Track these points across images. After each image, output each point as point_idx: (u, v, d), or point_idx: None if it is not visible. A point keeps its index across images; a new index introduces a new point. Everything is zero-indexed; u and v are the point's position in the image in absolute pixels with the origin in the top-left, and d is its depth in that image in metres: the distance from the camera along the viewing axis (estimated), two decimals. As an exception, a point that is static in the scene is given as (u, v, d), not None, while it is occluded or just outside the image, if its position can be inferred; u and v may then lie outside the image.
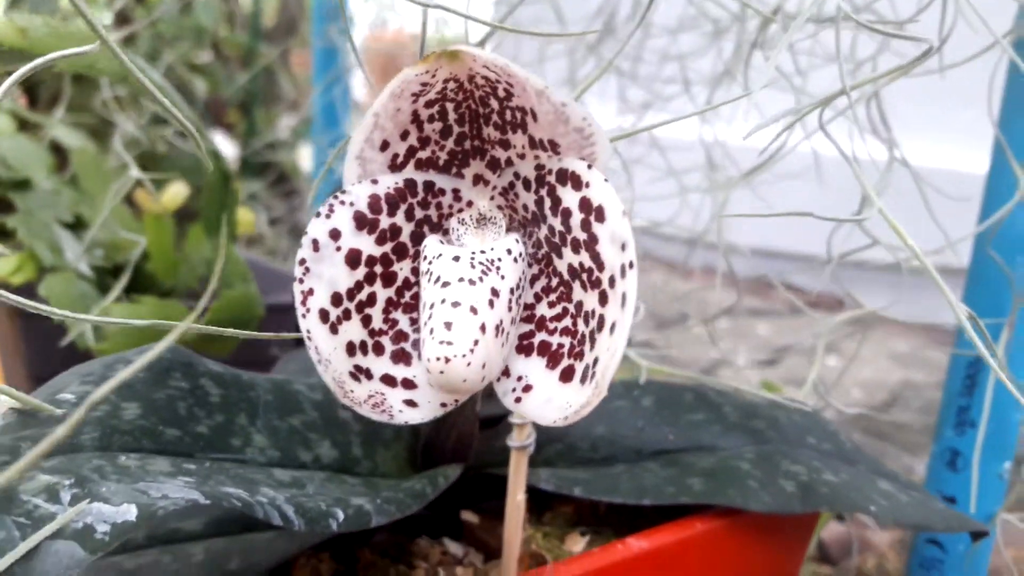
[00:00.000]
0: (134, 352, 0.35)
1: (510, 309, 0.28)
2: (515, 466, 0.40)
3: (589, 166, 0.28)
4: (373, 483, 0.39)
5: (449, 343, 0.26)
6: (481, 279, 0.28)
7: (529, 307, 0.31)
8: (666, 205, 0.88)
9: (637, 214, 0.91)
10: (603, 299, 0.28)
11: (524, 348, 0.31)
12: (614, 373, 0.26)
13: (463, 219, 0.31)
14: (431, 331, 0.27)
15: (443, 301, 0.27)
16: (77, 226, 0.70)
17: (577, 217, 0.28)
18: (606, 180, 0.28)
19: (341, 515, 0.33)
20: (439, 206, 0.31)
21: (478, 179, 0.32)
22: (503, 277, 0.28)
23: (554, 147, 0.29)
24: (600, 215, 0.28)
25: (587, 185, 0.28)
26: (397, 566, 0.42)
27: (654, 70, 0.82)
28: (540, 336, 0.31)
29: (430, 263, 0.28)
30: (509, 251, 0.29)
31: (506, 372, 0.30)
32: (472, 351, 0.27)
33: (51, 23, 0.57)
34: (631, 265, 0.27)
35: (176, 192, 0.88)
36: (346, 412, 0.41)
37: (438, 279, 0.28)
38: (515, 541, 0.40)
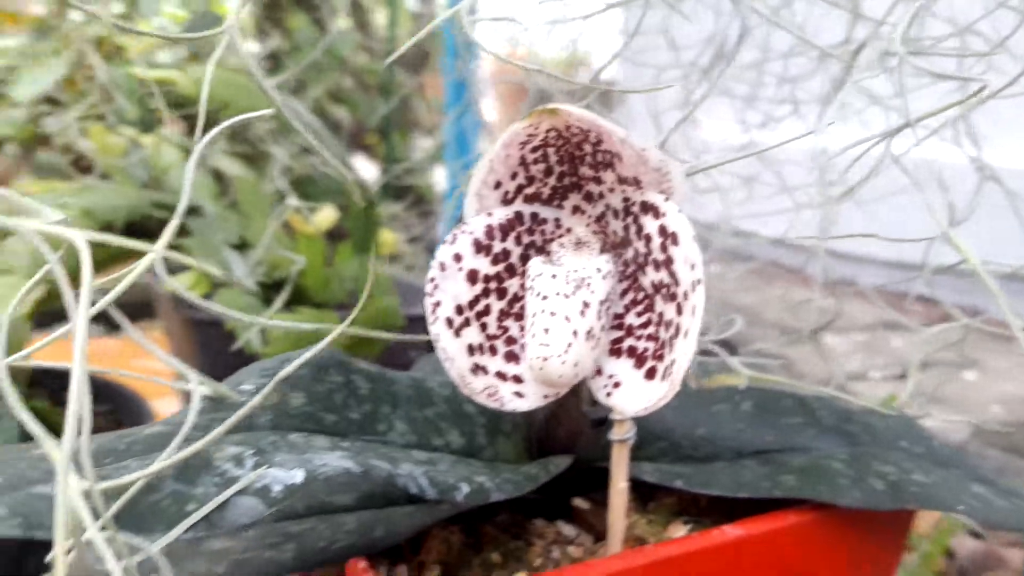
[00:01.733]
0: (297, 353, 0.43)
1: (599, 318, 0.34)
2: (617, 457, 0.45)
3: (667, 198, 0.34)
4: (494, 466, 0.46)
5: (546, 345, 0.32)
6: (574, 293, 0.33)
7: (619, 317, 0.37)
8: (785, 218, 0.91)
9: (762, 225, 0.94)
10: (679, 310, 0.33)
11: (615, 351, 0.36)
12: (684, 371, 0.32)
13: (563, 243, 0.37)
14: (533, 335, 0.33)
15: (543, 311, 0.33)
16: (241, 246, 0.81)
17: (657, 241, 0.34)
18: (680, 211, 0.33)
19: (466, 488, 0.40)
20: (543, 232, 0.38)
21: (576, 209, 0.38)
22: (592, 291, 0.34)
23: (637, 183, 0.35)
24: (675, 239, 0.33)
25: (664, 215, 0.33)
26: (516, 541, 0.48)
27: (768, 92, 0.85)
28: (628, 341, 0.36)
29: (533, 280, 0.35)
30: (599, 269, 0.35)
31: (599, 371, 0.36)
32: (566, 351, 0.32)
33: (221, 73, 0.67)
34: (699, 282, 0.32)
35: (326, 215, 0.97)
36: (471, 406, 0.48)
37: (539, 293, 0.34)
38: (619, 523, 0.46)
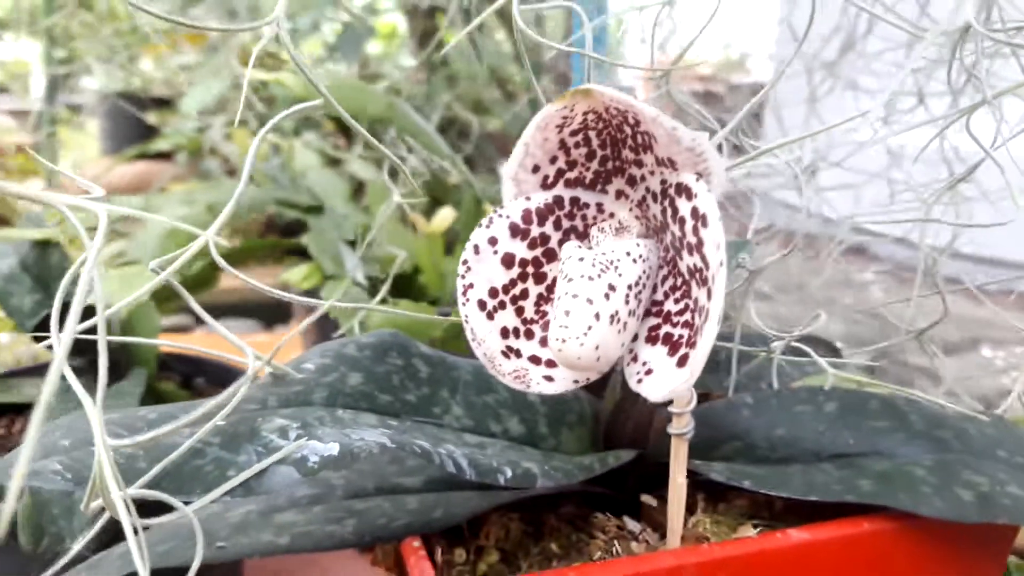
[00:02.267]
0: (365, 336, 0.45)
1: (627, 302, 0.34)
2: (675, 452, 0.44)
3: (698, 179, 0.33)
4: (549, 455, 0.46)
5: (565, 327, 0.32)
6: (600, 275, 0.33)
7: (659, 303, 0.36)
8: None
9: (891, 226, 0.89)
10: (709, 294, 0.32)
11: (651, 338, 0.36)
12: (705, 356, 0.31)
13: (603, 228, 0.37)
14: (555, 317, 0.33)
15: (566, 293, 0.33)
16: (354, 243, 0.84)
17: (690, 224, 0.33)
18: (709, 191, 0.32)
19: (509, 472, 0.40)
20: (584, 217, 0.37)
21: (619, 194, 0.37)
22: (620, 275, 0.33)
23: (672, 164, 0.34)
24: (704, 221, 0.32)
25: (696, 195, 0.33)
26: (579, 533, 0.48)
27: (892, 84, 0.80)
28: (665, 328, 0.36)
29: (564, 263, 0.35)
30: (628, 253, 0.34)
31: (635, 358, 0.36)
32: (585, 334, 0.32)
33: (339, 78, 0.70)
34: (722, 263, 0.31)
35: (444, 216, 1.00)
36: (534, 395, 0.48)
37: (566, 275, 0.34)
38: (677, 519, 0.45)
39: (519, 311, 0.37)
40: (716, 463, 0.50)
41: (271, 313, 1.51)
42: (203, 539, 0.46)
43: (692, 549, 0.43)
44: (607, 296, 0.33)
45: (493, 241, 0.36)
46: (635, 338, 0.36)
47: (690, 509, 0.50)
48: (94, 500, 0.29)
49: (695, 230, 0.33)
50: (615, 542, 0.48)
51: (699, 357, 0.31)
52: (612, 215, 0.37)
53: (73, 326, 0.33)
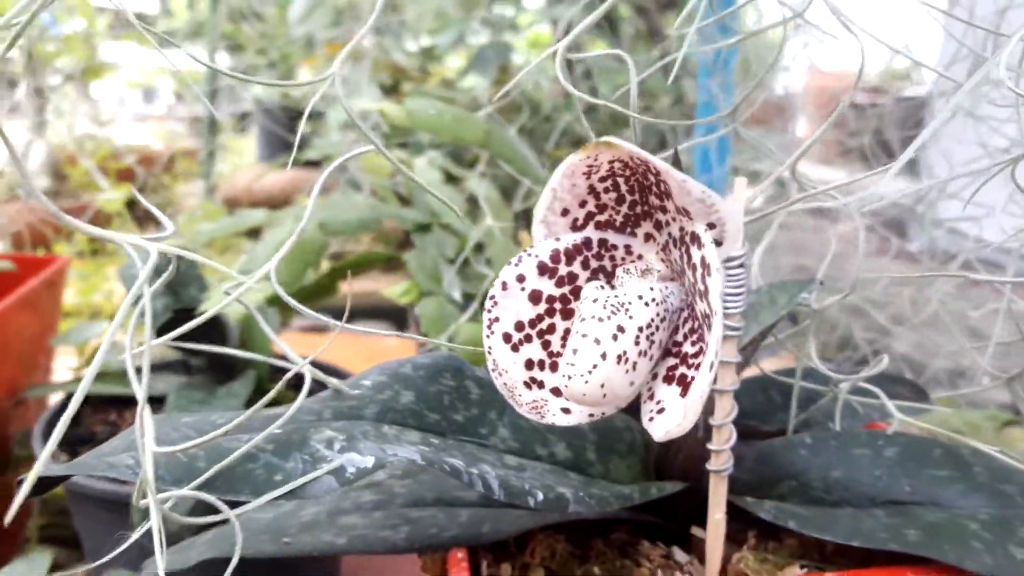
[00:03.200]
0: (423, 356, 0.48)
1: (636, 343, 0.35)
2: (713, 488, 0.45)
3: (707, 229, 0.34)
4: (592, 481, 0.47)
5: (572, 364, 0.34)
6: (610, 317, 0.35)
7: (678, 344, 0.38)
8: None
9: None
10: (711, 339, 0.33)
11: (668, 378, 0.37)
12: (700, 401, 0.32)
13: (628, 269, 0.38)
14: (565, 354, 0.35)
15: (577, 332, 0.35)
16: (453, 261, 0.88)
17: (699, 271, 0.34)
18: (712, 241, 0.33)
19: (540, 496, 0.42)
20: (612, 258, 0.39)
21: (648, 237, 0.39)
22: (631, 317, 0.35)
23: (687, 213, 0.35)
24: (709, 270, 0.33)
25: (703, 246, 0.34)
26: (624, 559, 0.50)
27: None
28: (681, 369, 0.37)
29: (581, 303, 0.37)
30: (640, 296, 0.36)
31: (651, 396, 0.37)
32: (590, 372, 0.34)
33: (438, 106, 0.74)
34: (717, 314, 0.32)
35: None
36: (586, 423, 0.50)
37: (580, 316, 0.36)
38: (715, 554, 0.46)
39: (545, 344, 0.39)
40: (768, 501, 0.50)
41: (402, 316, 1.58)
42: (274, 535, 0.51)
43: (727, 584, 0.43)
44: (615, 337, 0.35)
45: (521, 279, 0.39)
46: (655, 376, 0.38)
47: (739, 544, 0.50)
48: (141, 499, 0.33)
49: (703, 278, 0.34)
50: (659, 571, 0.49)
51: (691, 403, 0.32)
52: (640, 257, 0.39)
53: (149, 336, 0.38)
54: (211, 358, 0.82)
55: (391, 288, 0.81)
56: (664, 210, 0.37)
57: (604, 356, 0.34)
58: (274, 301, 0.82)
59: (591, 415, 0.38)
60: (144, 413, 0.33)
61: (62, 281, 1.07)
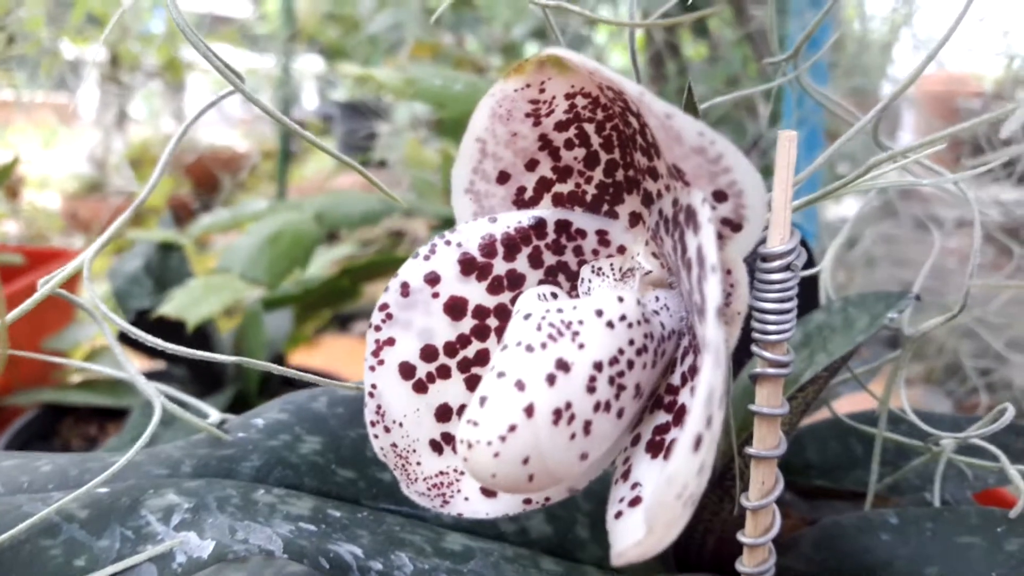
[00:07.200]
0: (351, 384, 0.35)
1: (590, 391, 0.21)
2: (749, 597, 0.30)
3: (710, 199, 0.20)
4: (581, 571, 0.33)
5: (475, 423, 0.20)
6: (544, 346, 0.21)
7: (672, 391, 0.23)
8: None
9: None
10: (692, 391, 0.19)
11: (653, 446, 0.23)
12: (675, 496, 0.18)
13: (600, 267, 0.24)
14: (469, 407, 0.21)
15: (492, 369, 0.21)
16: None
17: (695, 272, 0.20)
18: (710, 220, 0.19)
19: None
20: (578, 251, 0.25)
21: (635, 219, 0.25)
22: (581, 346, 0.21)
23: (681, 175, 0.21)
24: (704, 270, 0.19)
25: (700, 228, 0.20)
26: None
27: None
28: (674, 432, 0.22)
29: (511, 321, 0.23)
30: (600, 312, 0.21)
31: (626, 474, 0.23)
32: (503, 439, 0.20)
33: (447, 75, 0.61)
34: (711, 345, 0.18)
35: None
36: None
37: (503, 343, 0.22)
38: None
39: (471, 382, 0.26)
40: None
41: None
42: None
43: None
44: (551, 379, 0.21)
45: (433, 279, 0.25)
46: (636, 440, 0.24)
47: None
48: None
49: (699, 282, 0.20)
50: None
51: (658, 510, 0.18)
52: (621, 249, 0.25)
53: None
54: (193, 369, 0.71)
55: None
56: (654, 174, 0.23)
57: (529, 411, 0.20)
58: (272, 304, 0.71)
59: (527, 502, 0.24)
60: None
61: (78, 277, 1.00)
